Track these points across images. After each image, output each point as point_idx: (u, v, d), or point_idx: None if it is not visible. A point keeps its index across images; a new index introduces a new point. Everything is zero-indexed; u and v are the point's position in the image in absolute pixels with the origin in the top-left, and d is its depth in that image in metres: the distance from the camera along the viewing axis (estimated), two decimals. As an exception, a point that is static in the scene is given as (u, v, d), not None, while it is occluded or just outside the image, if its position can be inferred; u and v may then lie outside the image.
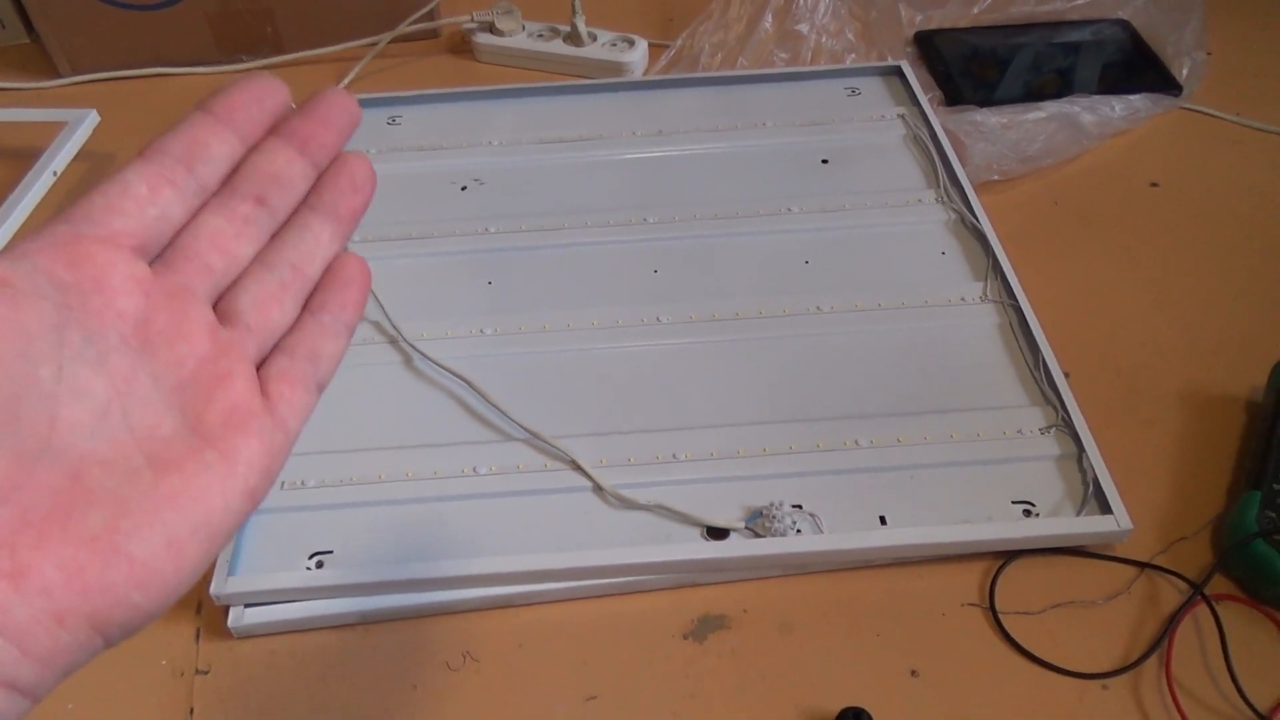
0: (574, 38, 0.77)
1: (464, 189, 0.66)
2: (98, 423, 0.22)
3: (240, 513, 0.23)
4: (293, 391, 0.25)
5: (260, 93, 0.25)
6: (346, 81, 0.75)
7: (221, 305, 0.25)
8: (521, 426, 0.51)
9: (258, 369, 0.25)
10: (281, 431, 0.24)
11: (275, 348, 0.25)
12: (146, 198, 0.23)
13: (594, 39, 0.77)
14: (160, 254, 0.24)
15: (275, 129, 0.26)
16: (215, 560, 0.41)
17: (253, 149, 0.26)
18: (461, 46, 0.81)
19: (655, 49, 0.78)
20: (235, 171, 0.25)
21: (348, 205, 0.26)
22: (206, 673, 0.44)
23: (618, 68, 0.76)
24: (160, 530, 0.21)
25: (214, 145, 0.25)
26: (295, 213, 0.26)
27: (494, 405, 0.52)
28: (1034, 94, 0.71)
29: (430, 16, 0.79)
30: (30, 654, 0.19)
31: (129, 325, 0.23)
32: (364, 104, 0.72)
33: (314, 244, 0.26)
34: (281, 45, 0.79)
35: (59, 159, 0.65)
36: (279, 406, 0.24)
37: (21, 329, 0.21)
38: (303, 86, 0.78)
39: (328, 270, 0.26)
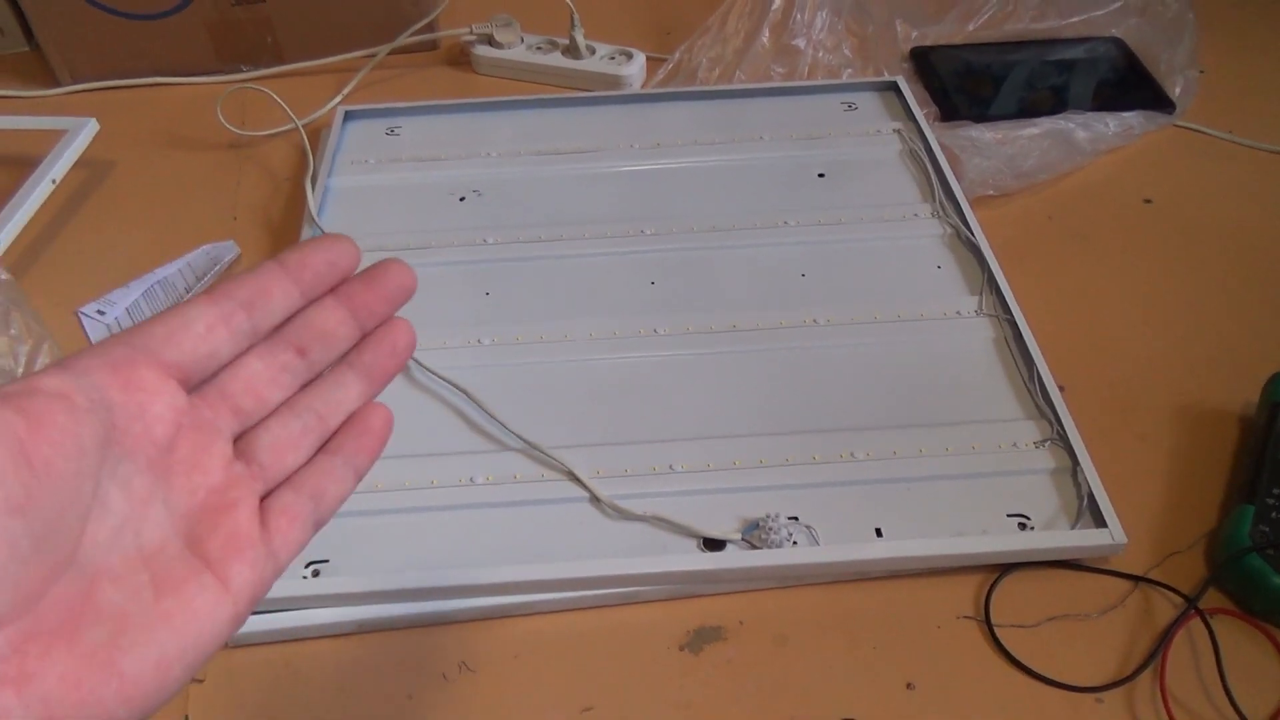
0: (572, 50, 0.77)
1: (462, 200, 0.66)
2: (113, 539, 0.22)
3: (224, 636, 0.24)
4: (290, 527, 0.26)
5: (335, 256, 0.27)
6: (346, 92, 0.76)
7: (242, 442, 0.26)
8: (518, 437, 0.51)
9: (264, 499, 0.26)
10: (273, 562, 0.25)
11: (284, 482, 0.26)
12: (202, 336, 0.25)
13: (592, 52, 0.77)
14: (200, 384, 0.26)
15: (335, 288, 0.27)
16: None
17: (311, 303, 0.27)
18: (460, 58, 0.81)
19: (653, 62, 0.79)
20: (289, 321, 0.27)
21: (383, 368, 0.28)
22: (201, 681, 0.44)
23: (616, 80, 0.76)
24: (153, 649, 0.22)
25: (277, 296, 0.26)
26: (334, 367, 0.28)
27: (491, 415, 0.52)
28: (1028, 110, 0.71)
29: (430, 28, 0.79)
30: None
31: (156, 451, 0.24)
32: (363, 114, 0.73)
33: (343, 398, 0.28)
34: (281, 55, 0.79)
35: (58, 167, 0.65)
36: (274, 539, 0.25)
37: (78, 443, 0.22)
38: (301, 96, 0.78)
39: (351, 417, 0.28)
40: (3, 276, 0.53)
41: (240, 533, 0.24)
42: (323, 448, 0.27)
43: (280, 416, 0.27)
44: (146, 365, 0.24)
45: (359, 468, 0.28)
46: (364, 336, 0.28)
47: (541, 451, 0.50)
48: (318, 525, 0.27)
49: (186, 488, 0.24)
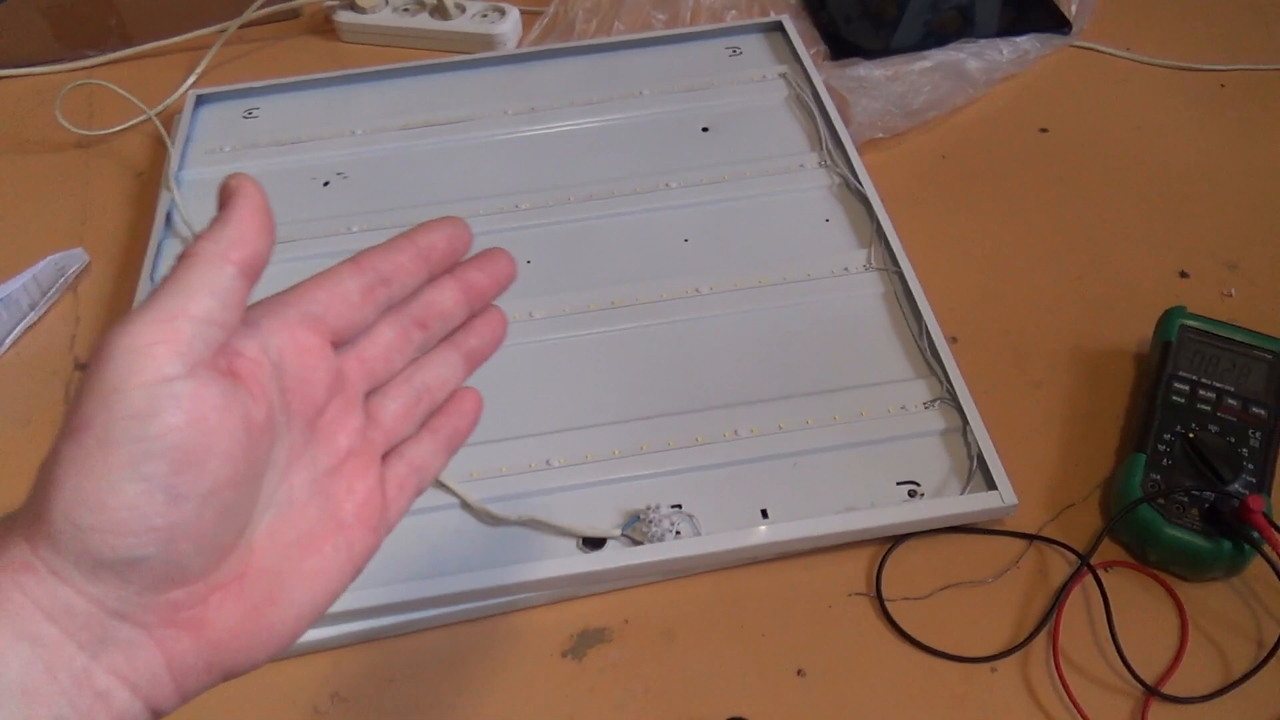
0: (441, 10, 0.72)
1: (326, 184, 0.62)
2: (270, 497, 0.25)
3: (342, 593, 0.26)
4: (401, 496, 0.28)
5: (456, 240, 0.29)
6: (198, 72, 0.70)
7: (368, 405, 0.28)
8: (386, 443, 0.48)
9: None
10: (386, 528, 0.28)
11: (394, 452, 0.29)
12: (357, 305, 0.27)
13: (462, 10, 0.73)
14: (343, 346, 0.28)
15: (452, 269, 0.30)
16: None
17: (432, 281, 0.29)
18: (324, 26, 0.76)
19: (529, 17, 0.74)
20: (414, 295, 0.29)
21: (481, 352, 0.31)
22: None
23: (489, 40, 0.72)
24: (295, 605, 0.25)
25: (411, 274, 0.28)
26: (440, 346, 0.30)
27: (357, 422, 0.49)
28: (926, 41, 0.68)
29: (287, -4, 0.74)
30: (179, 690, 0.23)
31: (313, 412, 0.26)
32: (217, 98, 0.68)
33: (449, 376, 0.30)
34: (128, 36, 0.73)
35: (-120, 182, 0.60)
36: (390, 508, 0.28)
37: (270, 404, 0.24)
38: (152, 80, 0.72)
39: (451, 398, 0.31)
40: None
41: (370, 500, 0.27)
42: (426, 424, 0.30)
43: (398, 385, 0.29)
44: (313, 330, 0.26)
45: (453, 447, 0.30)
46: (469, 319, 0.30)
47: (411, 457, 0.47)
48: (418, 494, 0.29)
49: (329, 448, 0.26)
